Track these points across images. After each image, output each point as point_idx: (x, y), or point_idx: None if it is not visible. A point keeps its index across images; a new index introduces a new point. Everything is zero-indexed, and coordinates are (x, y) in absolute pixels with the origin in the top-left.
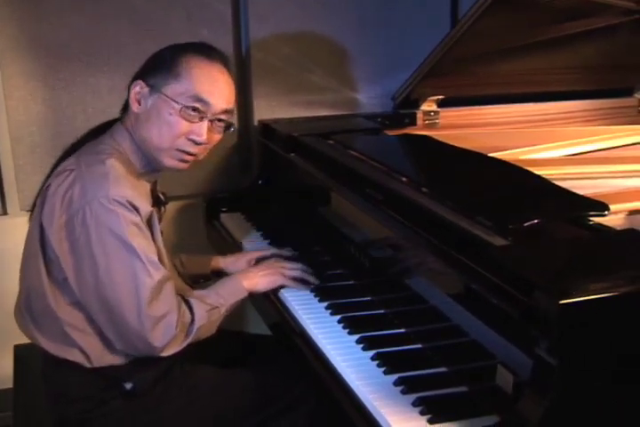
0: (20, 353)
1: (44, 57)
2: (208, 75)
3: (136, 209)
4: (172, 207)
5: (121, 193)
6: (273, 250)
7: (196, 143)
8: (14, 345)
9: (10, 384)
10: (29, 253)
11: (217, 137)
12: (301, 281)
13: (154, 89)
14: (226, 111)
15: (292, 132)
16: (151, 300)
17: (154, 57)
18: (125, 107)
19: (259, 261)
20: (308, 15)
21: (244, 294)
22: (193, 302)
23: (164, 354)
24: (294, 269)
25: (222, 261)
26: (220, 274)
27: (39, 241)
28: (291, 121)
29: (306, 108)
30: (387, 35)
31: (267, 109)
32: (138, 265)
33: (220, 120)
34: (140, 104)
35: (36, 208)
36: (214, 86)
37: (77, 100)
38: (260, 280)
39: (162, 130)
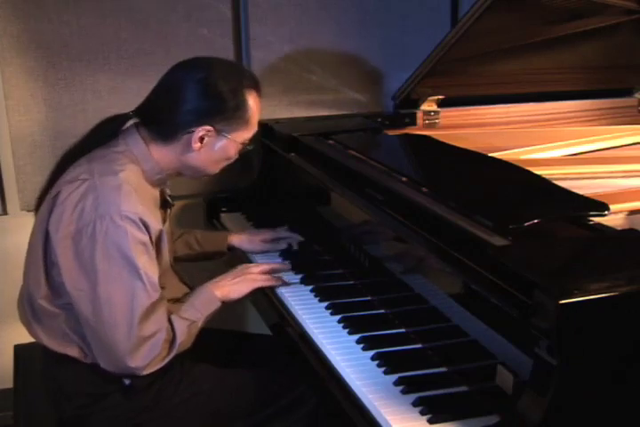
0: (20, 353)
1: (45, 57)
2: (259, 112)
3: (146, 226)
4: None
5: (133, 209)
6: (286, 232)
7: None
8: (14, 345)
9: (10, 384)
10: (32, 255)
11: None
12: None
13: (221, 133)
14: None
15: (293, 132)
16: (143, 320)
17: (213, 97)
18: (145, 120)
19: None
20: (308, 15)
21: (217, 305)
22: (173, 318)
23: (143, 373)
24: (263, 271)
25: (237, 239)
26: (234, 250)
27: (42, 245)
28: (291, 121)
29: (306, 107)
30: (387, 35)
31: (267, 109)
32: (138, 285)
33: None
34: (201, 144)
35: (42, 213)
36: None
37: (77, 100)
38: (231, 288)
39: (221, 163)
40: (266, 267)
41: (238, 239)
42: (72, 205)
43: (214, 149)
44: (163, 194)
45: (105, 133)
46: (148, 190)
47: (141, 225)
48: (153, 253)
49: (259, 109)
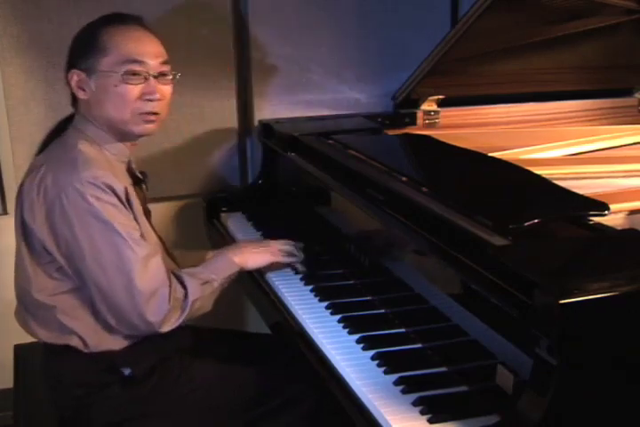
0: (21, 353)
1: (45, 57)
2: (130, 37)
3: (111, 189)
4: (172, 207)
5: (93, 174)
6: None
7: (152, 101)
8: (14, 345)
9: (10, 384)
10: (18, 251)
11: (168, 89)
12: (289, 262)
13: (90, 71)
14: (163, 63)
15: (293, 131)
16: (139, 275)
17: (74, 43)
18: (74, 99)
19: None
20: (308, 15)
21: (235, 269)
22: (184, 276)
23: (163, 330)
24: (283, 249)
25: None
26: None
27: (22, 236)
28: (291, 121)
29: (306, 107)
30: (387, 34)
31: (267, 109)
32: (120, 242)
33: (162, 74)
34: (84, 90)
35: (16, 208)
36: (140, 45)
37: None
38: (250, 256)
39: (116, 103)
40: (288, 247)
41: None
42: (36, 190)
43: (98, 90)
44: (131, 170)
45: (59, 130)
46: (110, 164)
47: (106, 188)
48: (126, 212)
49: (125, 37)
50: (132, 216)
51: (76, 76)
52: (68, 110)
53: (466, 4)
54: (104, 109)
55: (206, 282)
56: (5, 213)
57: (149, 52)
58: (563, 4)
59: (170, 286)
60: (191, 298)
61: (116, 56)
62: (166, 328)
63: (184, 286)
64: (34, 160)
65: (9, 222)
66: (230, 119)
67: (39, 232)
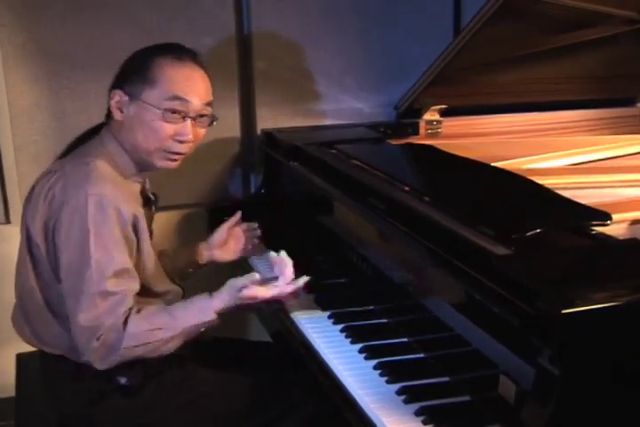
0: (23, 362)
1: (49, 65)
2: (181, 74)
3: (117, 210)
4: (174, 216)
5: (102, 192)
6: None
7: (183, 142)
8: (17, 354)
9: (12, 393)
10: (20, 256)
11: (202, 132)
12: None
13: (133, 97)
14: (206, 105)
15: (295, 141)
16: (85, 309)
17: (126, 64)
18: (109, 113)
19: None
20: (311, 25)
21: (209, 317)
22: (132, 319)
23: (95, 367)
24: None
25: (203, 246)
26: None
27: (26, 241)
28: (293, 130)
29: (308, 117)
30: (389, 44)
31: (269, 119)
32: (86, 270)
33: (202, 116)
34: (122, 112)
35: (24, 209)
36: (189, 84)
37: (81, 109)
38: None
39: (147, 135)
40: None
41: (204, 246)
42: (43, 195)
43: (132, 115)
44: (144, 191)
45: (82, 141)
46: (124, 183)
47: (109, 209)
48: (120, 239)
49: (177, 72)
50: (123, 241)
51: (118, 97)
52: (73, 119)
53: (468, 14)
54: (133, 136)
55: (156, 329)
56: (8, 221)
57: (196, 91)
58: (565, 15)
59: (103, 326)
60: (125, 344)
61: (162, 90)
62: (96, 365)
63: (124, 328)
64: (51, 164)
65: (12, 231)
66: (233, 129)
67: (36, 236)
